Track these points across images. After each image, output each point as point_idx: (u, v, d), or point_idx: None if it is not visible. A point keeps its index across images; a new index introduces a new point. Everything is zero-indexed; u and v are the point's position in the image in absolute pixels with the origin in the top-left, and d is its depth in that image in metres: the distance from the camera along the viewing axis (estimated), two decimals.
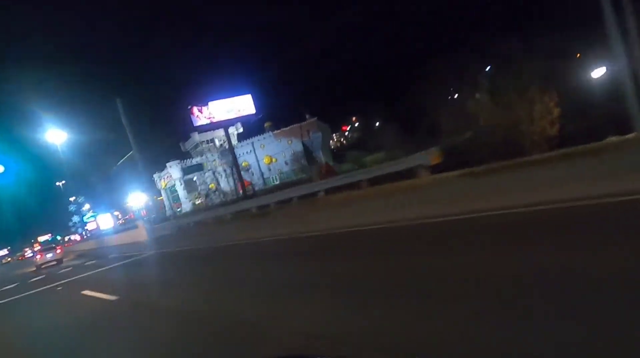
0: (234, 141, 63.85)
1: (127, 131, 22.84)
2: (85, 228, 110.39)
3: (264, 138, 56.87)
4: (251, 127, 70.07)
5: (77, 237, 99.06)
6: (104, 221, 55.24)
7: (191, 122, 32.40)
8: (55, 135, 47.71)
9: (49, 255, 24.70)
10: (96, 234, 61.32)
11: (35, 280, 15.78)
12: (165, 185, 65.04)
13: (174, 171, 58.27)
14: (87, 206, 63.48)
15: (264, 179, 56.94)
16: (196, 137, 62.96)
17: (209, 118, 32.86)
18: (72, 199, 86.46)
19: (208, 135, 64.05)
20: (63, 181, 75.93)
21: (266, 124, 59.83)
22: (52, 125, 46.23)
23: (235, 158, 32.14)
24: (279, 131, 56.37)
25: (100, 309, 6.57)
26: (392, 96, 45.62)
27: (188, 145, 66.48)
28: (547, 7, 28.10)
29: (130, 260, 13.89)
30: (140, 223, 22.16)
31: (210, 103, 33.00)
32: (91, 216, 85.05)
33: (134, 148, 23.44)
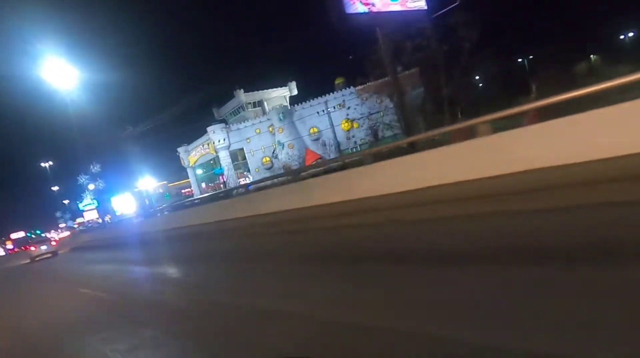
0: (285, 103, 49.28)
1: None
2: (82, 220, 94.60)
3: (343, 95, 42.46)
4: (311, 88, 55.59)
5: (54, 235, 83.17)
6: (123, 205, 40.20)
7: (341, 9, 18.09)
8: (60, 74, 32.25)
9: (44, 247, 24.35)
10: (108, 224, 46.26)
11: None
12: (195, 161, 50.28)
13: (217, 137, 43.48)
14: (91, 186, 48.23)
15: (341, 151, 42.64)
16: (241, 96, 48.30)
17: (367, 4, 18.43)
18: (54, 185, 70.69)
19: (256, 96, 49.51)
20: (49, 163, 60.30)
21: (337, 81, 45.53)
22: (54, 58, 30.86)
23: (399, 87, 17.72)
24: (363, 86, 42.04)
25: None
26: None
27: (224, 111, 51.82)
28: None
29: None
30: None
31: None
32: (88, 204, 69.75)
33: None
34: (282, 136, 43.26)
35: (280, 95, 50.80)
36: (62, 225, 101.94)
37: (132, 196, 41.80)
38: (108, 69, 36.75)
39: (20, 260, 27.16)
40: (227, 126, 44.29)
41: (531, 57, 45.60)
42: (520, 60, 47.02)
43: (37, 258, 23.36)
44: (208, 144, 45.96)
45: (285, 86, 51.37)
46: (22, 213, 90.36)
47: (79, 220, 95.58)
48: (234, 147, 44.76)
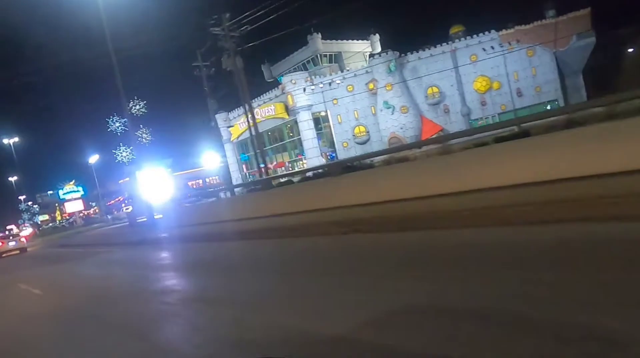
0: (362, 61, 36.44)
1: None
2: (44, 217, 75.85)
3: (480, 42, 30.38)
4: (399, 44, 42.96)
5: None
6: (157, 186, 25.60)
7: None
8: None
9: (12, 243, 23.09)
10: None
11: None
12: (241, 134, 36.39)
13: (298, 90, 30.02)
14: (93, 158, 32.72)
15: (470, 120, 30.56)
16: (318, 44, 35.11)
17: None
18: (21, 171, 53.83)
19: (334, 46, 36.52)
20: (15, 139, 43.88)
21: (453, 30, 33.67)
22: None
23: None
24: (509, 31, 30.26)
25: None
26: None
27: (280, 68, 38.35)
28: None
29: None
30: None
31: None
32: (71, 191, 53.62)
33: None
34: (390, 96, 30.48)
35: (359, 50, 38.03)
36: (9, 227, 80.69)
37: (166, 173, 27.54)
38: None
39: None
40: (312, 76, 30.99)
41: None
42: None
43: (3, 255, 22.23)
44: (274, 106, 32.32)
45: (366, 39, 38.67)
46: None
47: (42, 217, 76.39)
48: (313, 110, 31.53)
